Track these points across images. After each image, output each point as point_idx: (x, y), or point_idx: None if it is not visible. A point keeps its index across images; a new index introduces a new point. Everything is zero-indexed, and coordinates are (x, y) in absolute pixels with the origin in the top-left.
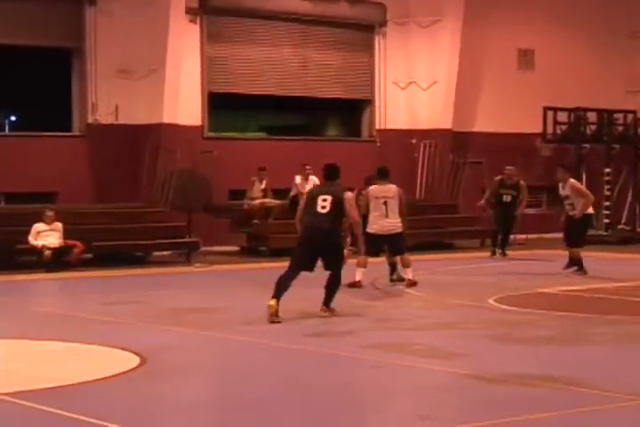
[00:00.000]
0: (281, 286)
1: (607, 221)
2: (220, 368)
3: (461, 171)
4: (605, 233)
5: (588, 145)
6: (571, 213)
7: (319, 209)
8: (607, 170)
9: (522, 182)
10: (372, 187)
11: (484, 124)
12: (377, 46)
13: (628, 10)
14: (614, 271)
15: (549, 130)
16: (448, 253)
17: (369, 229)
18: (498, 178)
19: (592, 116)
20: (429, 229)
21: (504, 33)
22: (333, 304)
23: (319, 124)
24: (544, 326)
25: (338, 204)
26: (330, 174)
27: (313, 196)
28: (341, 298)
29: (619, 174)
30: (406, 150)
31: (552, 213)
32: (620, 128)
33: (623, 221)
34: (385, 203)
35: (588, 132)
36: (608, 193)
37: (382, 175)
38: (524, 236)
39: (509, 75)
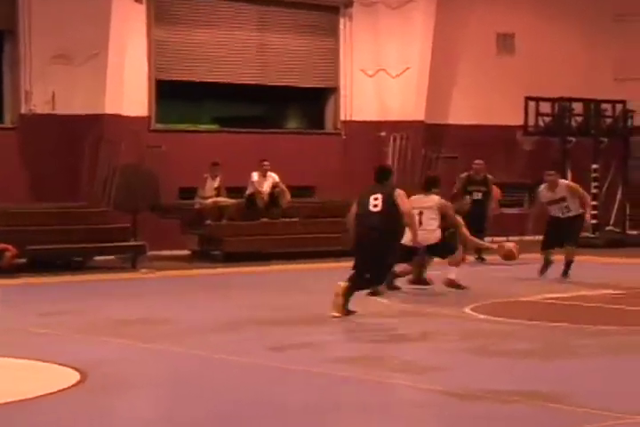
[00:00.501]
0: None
1: (595, 221)
2: (166, 384)
3: (435, 166)
4: (593, 235)
5: (573, 138)
6: (564, 216)
7: (371, 208)
8: (595, 166)
9: (490, 177)
10: (413, 197)
11: (459, 115)
12: (342, 30)
13: None
14: (602, 277)
15: (531, 122)
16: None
17: (402, 241)
18: (464, 174)
19: (578, 107)
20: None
21: (482, 15)
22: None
23: (278, 115)
24: (524, 338)
25: (389, 202)
26: (379, 177)
27: (363, 196)
28: (306, 308)
29: (607, 171)
30: (374, 144)
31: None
32: (609, 120)
33: (612, 222)
34: (420, 213)
35: (574, 124)
36: (596, 191)
37: (428, 186)
38: (503, 238)
39: (488, 61)
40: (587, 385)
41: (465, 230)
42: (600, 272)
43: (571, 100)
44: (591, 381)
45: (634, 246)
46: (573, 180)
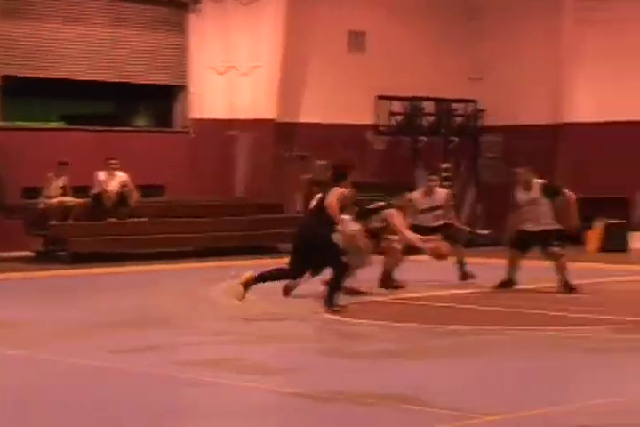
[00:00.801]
0: None
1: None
2: (9, 390)
3: (286, 166)
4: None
5: (424, 138)
6: (529, 229)
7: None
8: (445, 165)
9: None
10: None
11: (311, 114)
12: (191, 26)
13: None
14: (453, 277)
15: (383, 121)
16: (273, 258)
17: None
18: (307, 176)
19: (429, 106)
20: (250, 231)
21: (333, 13)
22: None
23: (127, 112)
24: (380, 339)
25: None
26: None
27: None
28: (156, 310)
29: (458, 170)
30: (224, 143)
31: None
32: (460, 119)
33: (464, 221)
34: None
35: (425, 123)
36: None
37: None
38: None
39: (339, 60)
40: (439, 386)
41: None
42: (451, 272)
43: (422, 99)
44: (443, 381)
45: (485, 246)
46: (424, 179)
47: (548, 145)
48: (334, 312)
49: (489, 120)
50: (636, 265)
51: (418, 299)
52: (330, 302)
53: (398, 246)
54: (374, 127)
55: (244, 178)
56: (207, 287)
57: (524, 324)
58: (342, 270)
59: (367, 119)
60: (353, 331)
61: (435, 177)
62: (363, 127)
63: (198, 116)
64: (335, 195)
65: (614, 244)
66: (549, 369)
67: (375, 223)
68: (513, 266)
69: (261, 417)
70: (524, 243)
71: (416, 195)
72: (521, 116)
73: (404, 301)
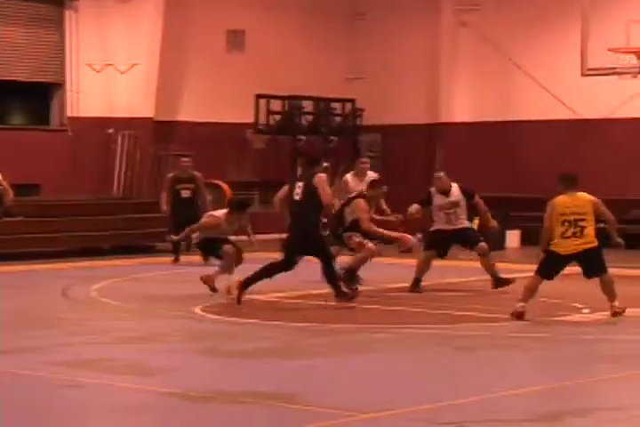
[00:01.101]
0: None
1: (325, 220)
2: None
3: (165, 165)
4: (326, 233)
5: (303, 137)
6: (450, 227)
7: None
8: (325, 164)
9: (197, 174)
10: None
11: (190, 112)
12: (67, 23)
13: None
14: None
15: (262, 120)
16: (151, 257)
17: None
18: (171, 174)
19: (308, 106)
20: (128, 230)
21: (212, 11)
22: None
23: (3, 110)
24: (254, 338)
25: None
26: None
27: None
28: (32, 310)
29: (337, 169)
30: (102, 141)
31: (265, 212)
32: (339, 118)
33: None
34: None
35: (304, 122)
36: None
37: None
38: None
39: (218, 58)
40: (317, 384)
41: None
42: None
43: (301, 98)
44: (321, 379)
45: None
46: None
47: (425, 144)
48: (350, 300)
49: (368, 119)
50: (514, 264)
51: (298, 297)
52: (341, 294)
53: (371, 245)
54: (254, 126)
55: (122, 177)
56: (82, 287)
57: (404, 322)
58: (331, 260)
59: (247, 118)
60: (231, 329)
61: (365, 159)
62: (242, 126)
63: (76, 114)
64: (323, 183)
65: (491, 242)
66: (427, 367)
67: (348, 216)
68: (425, 266)
69: (137, 418)
70: (441, 244)
71: (348, 177)
72: (399, 116)
73: (283, 299)
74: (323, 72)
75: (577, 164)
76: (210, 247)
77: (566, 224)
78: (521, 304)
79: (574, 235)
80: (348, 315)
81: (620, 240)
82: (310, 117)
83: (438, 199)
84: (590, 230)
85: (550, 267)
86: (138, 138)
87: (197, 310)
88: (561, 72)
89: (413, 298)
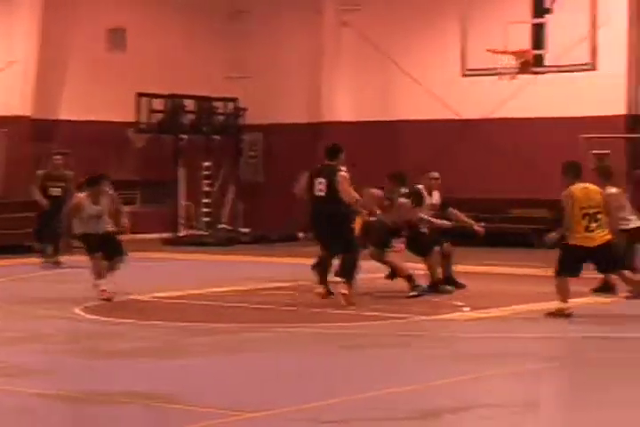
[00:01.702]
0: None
1: (207, 219)
2: None
3: (44, 164)
4: (205, 233)
5: (185, 136)
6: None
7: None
8: (207, 163)
9: (69, 172)
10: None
11: (71, 111)
12: None
13: None
14: (214, 275)
15: (143, 119)
16: (29, 257)
17: None
18: (41, 171)
19: (190, 104)
20: (6, 230)
21: (92, 9)
22: None
23: None
24: (137, 338)
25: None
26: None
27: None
28: None
29: (219, 168)
30: None
31: (147, 211)
32: (221, 118)
33: (225, 219)
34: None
35: (186, 121)
36: (208, 189)
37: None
38: None
39: (99, 57)
40: (197, 384)
41: None
42: (213, 270)
43: (183, 97)
44: (201, 379)
45: (246, 244)
46: (187, 177)
47: (307, 143)
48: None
49: (250, 119)
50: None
51: (178, 297)
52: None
53: None
54: (135, 125)
55: (1, 176)
56: None
57: (287, 321)
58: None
59: (128, 117)
60: (110, 330)
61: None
62: (124, 125)
63: None
64: (344, 180)
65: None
66: (310, 366)
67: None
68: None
69: (13, 420)
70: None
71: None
72: (281, 115)
73: (163, 299)
74: (204, 71)
75: (456, 163)
76: (88, 245)
77: (587, 218)
78: (567, 305)
79: (597, 228)
80: (226, 314)
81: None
82: (192, 116)
83: (427, 199)
84: (605, 224)
85: (576, 262)
86: (15, 136)
87: (78, 310)
88: (441, 72)
89: (295, 297)
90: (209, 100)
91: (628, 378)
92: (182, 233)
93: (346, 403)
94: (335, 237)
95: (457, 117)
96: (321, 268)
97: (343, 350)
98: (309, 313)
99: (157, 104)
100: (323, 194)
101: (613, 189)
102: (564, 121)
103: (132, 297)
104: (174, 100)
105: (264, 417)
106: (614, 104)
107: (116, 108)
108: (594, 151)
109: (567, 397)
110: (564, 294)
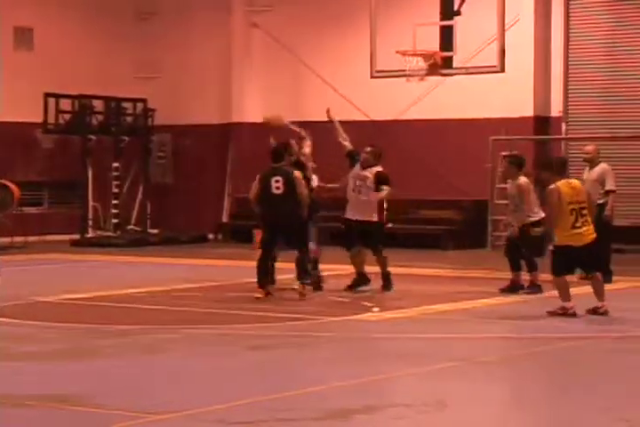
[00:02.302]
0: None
1: (116, 221)
2: None
3: None
4: (114, 234)
5: (94, 136)
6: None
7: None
8: (116, 164)
9: None
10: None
11: None
12: None
13: None
14: (123, 277)
15: (51, 119)
16: None
17: None
18: None
19: (99, 105)
20: None
21: None
22: None
23: None
24: (44, 340)
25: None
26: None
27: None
28: None
29: (128, 169)
30: None
31: (54, 212)
32: (130, 118)
33: (133, 221)
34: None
35: (95, 122)
36: (117, 190)
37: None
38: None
39: (6, 56)
40: (108, 385)
41: None
42: (121, 271)
43: (92, 97)
44: (112, 381)
45: (155, 245)
46: (94, 178)
47: (217, 144)
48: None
49: (159, 119)
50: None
51: (87, 299)
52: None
53: None
54: (43, 125)
55: None
56: None
57: (195, 322)
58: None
59: (36, 117)
60: (17, 332)
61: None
62: (31, 125)
63: None
64: (300, 181)
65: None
66: (218, 367)
67: None
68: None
69: None
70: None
71: None
72: (191, 116)
73: (71, 301)
74: (113, 71)
75: None
76: None
77: (574, 213)
78: (570, 304)
79: (584, 224)
80: (136, 316)
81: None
82: (101, 117)
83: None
84: (590, 219)
85: (569, 262)
86: None
87: None
88: (350, 73)
89: (204, 299)
90: (118, 100)
91: (530, 376)
92: (91, 234)
93: (254, 404)
94: (293, 233)
95: (366, 119)
96: (263, 270)
97: (252, 350)
98: (219, 314)
99: (65, 104)
100: (280, 192)
101: (524, 179)
102: (473, 123)
103: (39, 299)
104: (82, 101)
105: (173, 418)
106: (522, 106)
107: (24, 109)
108: (503, 153)
109: (474, 395)
110: (564, 294)
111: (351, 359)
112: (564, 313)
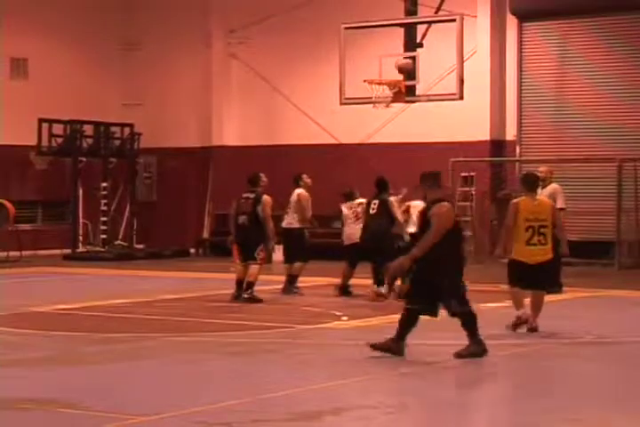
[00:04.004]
0: None
1: (104, 236)
2: None
3: None
4: (102, 249)
5: (84, 159)
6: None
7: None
8: (104, 184)
9: None
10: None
11: None
12: None
13: (124, 21)
14: (111, 288)
15: (45, 142)
16: None
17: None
18: None
19: (89, 129)
20: None
21: None
22: None
23: None
24: (36, 347)
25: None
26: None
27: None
28: None
29: (116, 189)
30: None
31: (47, 228)
32: (118, 142)
33: (120, 236)
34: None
35: (85, 145)
36: (105, 208)
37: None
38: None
39: (2, 85)
40: (96, 389)
41: None
42: (109, 283)
43: (82, 122)
44: (100, 385)
45: (140, 259)
46: (85, 197)
47: (198, 166)
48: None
49: (145, 143)
50: (278, 275)
51: (76, 309)
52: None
53: None
54: (37, 148)
55: None
56: None
57: (177, 330)
58: None
59: (30, 140)
60: (9, 340)
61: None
62: (26, 148)
63: None
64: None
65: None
66: (198, 372)
67: None
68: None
69: None
70: None
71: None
72: (174, 140)
73: (62, 311)
74: (102, 98)
75: (334, 185)
76: None
77: (530, 231)
78: (522, 311)
79: (540, 242)
80: (125, 324)
81: (565, 250)
82: (91, 140)
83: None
84: (550, 238)
85: (521, 275)
86: None
87: None
88: (321, 100)
89: (185, 308)
90: (106, 125)
91: (486, 380)
92: (81, 249)
93: (231, 406)
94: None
95: (336, 142)
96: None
97: (229, 357)
98: (199, 323)
99: (58, 129)
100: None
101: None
102: (434, 146)
103: (32, 309)
104: (74, 126)
105: (156, 420)
106: (479, 131)
107: (19, 133)
108: (462, 174)
109: (435, 398)
110: (516, 304)
111: (321, 365)
112: (520, 322)
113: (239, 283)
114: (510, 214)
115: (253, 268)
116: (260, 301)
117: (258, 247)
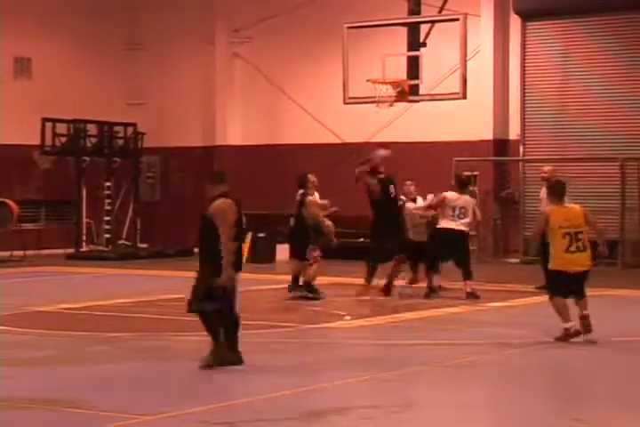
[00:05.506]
0: None
1: (108, 236)
2: None
3: None
4: (106, 248)
5: (88, 158)
6: None
7: None
8: (108, 184)
9: None
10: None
11: None
12: None
13: (127, 21)
14: (114, 288)
15: (48, 142)
16: None
17: None
18: None
19: (92, 129)
20: None
21: (0, 40)
22: None
23: None
24: (41, 346)
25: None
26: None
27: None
28: None
29: (119, 188)
30: None
31: (51, 228)
32: (121, 141)
33: (124, 236)
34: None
35: (89, 144)
36: (109, 208)
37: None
38: (21, 252)
39: (5, 84)
40: (100, 389)
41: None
42: (112, 283)
43: (86, 121)
44: (103, 385)
45: (144, 258)
46: (88, 196)
47: (202, 165)
48: None
49: (148, 142)
50: (281, 275)
51: (79, 309)
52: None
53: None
54: (40, 147)
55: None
56: None
57: (181, 330)
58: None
59: (34, 140)
60: (15, 340)
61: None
62: (30, 147)
63: None
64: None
65: (262, 256)
66: (201, 371)
67: None
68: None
69: None
70: None
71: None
72: (178, 139)
73: (65, 310)
74: (105, 98)
75: (338, 183)
76: None
77: (567, 237)
78: (570, 324)
79: (578, 249)
80: (129, 324)
81: (604, 249)
82: (94, 140)
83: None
84: (588, 244)
85: (562, 286)
86: None
87: None
88: (325, 100)
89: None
90: (110, 124)
91: (490, 379)
92: (84, 249)
93: (235, 405)
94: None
95: (339, 141)
96: None
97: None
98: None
99: (61, 128)
100: None
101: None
102: (438, 145)
103: (35, 309)
104: (77, 125)
105: (160, 419)
106: (483, 130)
107: (23, 132)
108: (465, 173)
109: (438, 397)
110: (562, 315)
111: (324, 364)
112: (568, 335)
113: (294, 279)
114: (539, 222)
115: (307, 268)
116: (315, 298)
117: (307, 249)
